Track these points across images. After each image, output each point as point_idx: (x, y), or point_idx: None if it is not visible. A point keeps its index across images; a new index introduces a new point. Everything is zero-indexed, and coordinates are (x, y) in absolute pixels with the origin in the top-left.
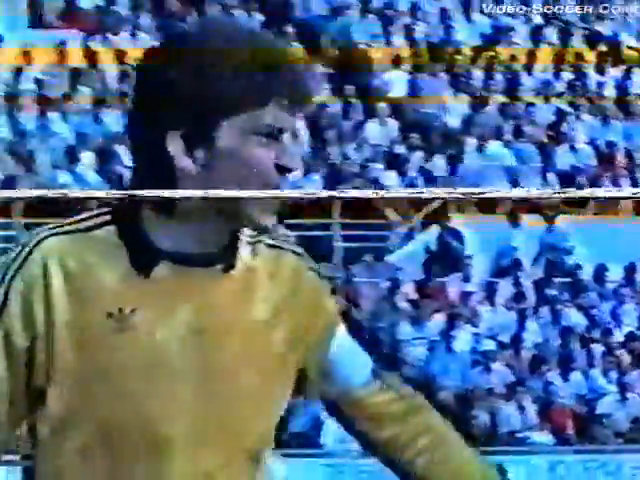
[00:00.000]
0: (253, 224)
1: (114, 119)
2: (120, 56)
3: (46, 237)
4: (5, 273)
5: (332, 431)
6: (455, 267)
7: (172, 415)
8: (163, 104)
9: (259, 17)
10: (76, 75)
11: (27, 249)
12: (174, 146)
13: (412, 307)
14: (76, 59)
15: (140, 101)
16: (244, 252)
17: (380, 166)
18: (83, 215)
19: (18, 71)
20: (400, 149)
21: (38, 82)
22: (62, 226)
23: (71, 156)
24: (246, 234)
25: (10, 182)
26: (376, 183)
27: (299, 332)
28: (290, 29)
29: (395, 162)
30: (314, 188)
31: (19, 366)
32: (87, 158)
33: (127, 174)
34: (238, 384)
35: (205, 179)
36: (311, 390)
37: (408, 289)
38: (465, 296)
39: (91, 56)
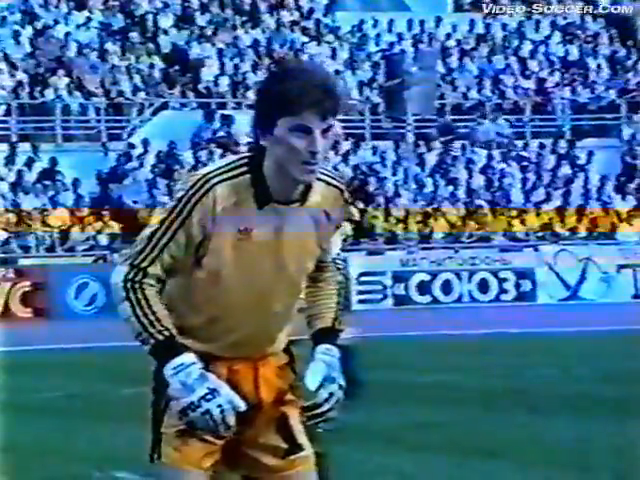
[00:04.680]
0: (298, 181)
1: None
2: None
3: (215, 184)
4: (188, 201)
5: None
6: None
7: (270, 278)
8: (258, 106)
9: None
10: None
11: (204, 190)
12: (258, 131)
13: None
14: None
15: (256, 102)
16: (311, 192)
17: None
18: (234, 164)
19: None
20: None
21: None
22: (222, 174)
23: None
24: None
25: None
26: None
27: (323, 224)
28: None
29: None
30: None
31: (192, 247)
32: None
33: None
34: (306, 249)
35: (273, 151)
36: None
37: None
38: None
39: None
